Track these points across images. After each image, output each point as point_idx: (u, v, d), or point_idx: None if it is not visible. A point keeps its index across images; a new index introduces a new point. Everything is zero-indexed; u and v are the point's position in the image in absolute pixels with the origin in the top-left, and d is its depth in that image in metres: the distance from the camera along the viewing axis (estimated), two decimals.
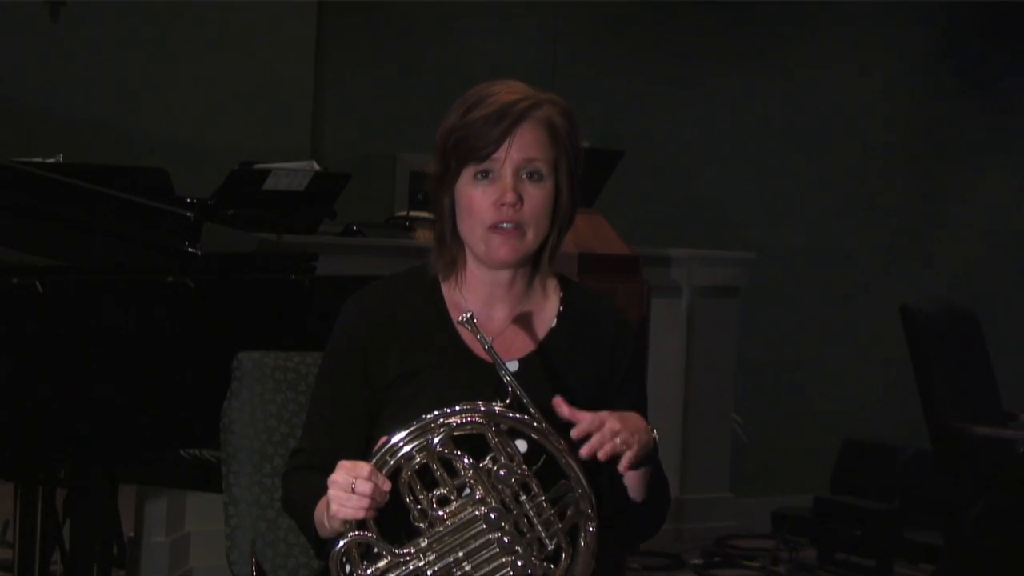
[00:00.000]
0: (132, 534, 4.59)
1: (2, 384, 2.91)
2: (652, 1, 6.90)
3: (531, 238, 2.33)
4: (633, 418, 2.25)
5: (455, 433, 2.19)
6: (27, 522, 3.18)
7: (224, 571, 2.62)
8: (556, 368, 2.36)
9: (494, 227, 2.31)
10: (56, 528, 3.40)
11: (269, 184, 4.75)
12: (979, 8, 7.38)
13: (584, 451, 2.17)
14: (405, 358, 2.35)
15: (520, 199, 2.30)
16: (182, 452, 3.35)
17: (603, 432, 2.18)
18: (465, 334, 2.36)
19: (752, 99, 6.98)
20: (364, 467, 2.15)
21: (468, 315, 2.25)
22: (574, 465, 2.19)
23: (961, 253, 7.39)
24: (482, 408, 2.19)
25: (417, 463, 2.18)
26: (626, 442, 2.20)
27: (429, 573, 2.16)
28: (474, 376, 2.33)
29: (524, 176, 2.31)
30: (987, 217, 7.46)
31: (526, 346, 2.38)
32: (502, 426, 2.20)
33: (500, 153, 2.29)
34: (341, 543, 2.16)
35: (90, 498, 3.26)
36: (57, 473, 3.24)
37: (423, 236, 5.22)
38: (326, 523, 2.21)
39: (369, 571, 2.17)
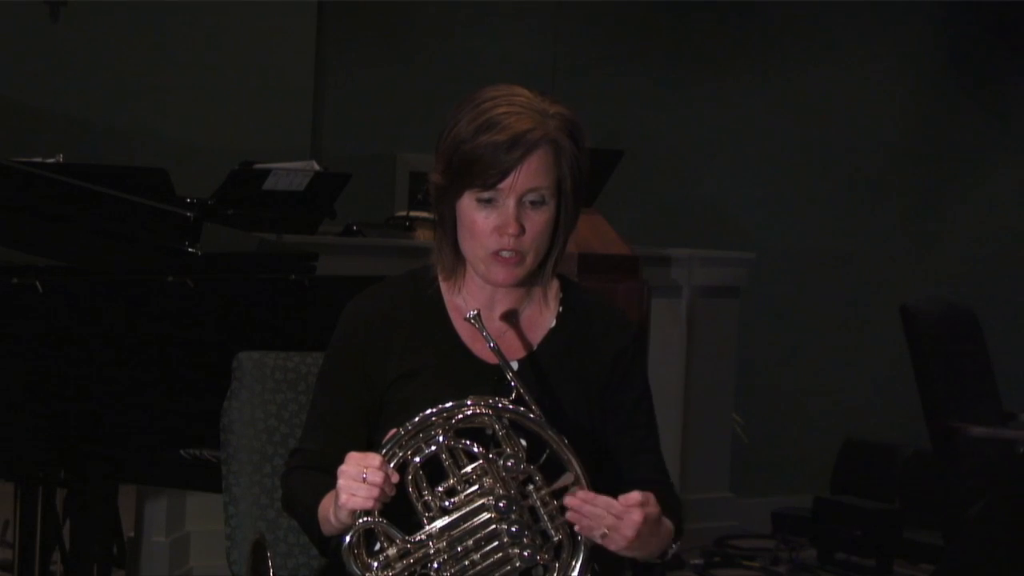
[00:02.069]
0: (132, 534, 4.59)
1: (2, 384, 2.91)
2: (652, 1, 6.90)
3: (531, 261, 2.34)
4: (662, 531, 2.25)
5: (461, 427, 2.21)
6: (27, 522, 3.17)
7: (224, 571, 2.62)
8: (555, 369, 2.37)
9: (495, 253, 2.32)
10: (56, 528, 3.40)
11: (269, 184, 4.76)
12: (980, 8, 7.38)
13: (574, 520, 2.18)
14: (404, 359, 2.36)
15: (522, 229, 2.30)
16: (182, 452, 3.35)
17: (607, 517, 2.17)
18: (465, 335, 2.38)
19: (752, 99, 6.98)
20: (375, 458, 2.17)
21: (475, 312, 2.27)
22: (575, 462, 2.21)
23: (961, 253, 7.39)
24: (490, 402, 2.21)
25: (425, 455, 2.20)
26: (614, 538, 2.19)
27: (437, 563, 2.18)
28: (473, 376, 2.34)
29: (527, 203, 2.31)
30: (987, 217, 7.46)
31: (526, 347, 2.39)
32: (505, 420, 2.22)
33: (506, 184, 2.29)
34: (352, 532, 2.17)
35: (90, 498, 3.25)
36: (57, 473, 3.24)
37: (423, 236, 5.22)
38: (331, 518, 2.21)
39: (379, 560, 2.18)
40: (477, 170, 2.28)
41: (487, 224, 2.31)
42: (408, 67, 6.52)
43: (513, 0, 6.71)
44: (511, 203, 2.30)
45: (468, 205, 2.32)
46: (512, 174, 2.28)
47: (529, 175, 2.29)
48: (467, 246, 2.34)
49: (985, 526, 4.45)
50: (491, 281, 2.35)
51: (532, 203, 2.31)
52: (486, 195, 2.30)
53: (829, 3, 7.11)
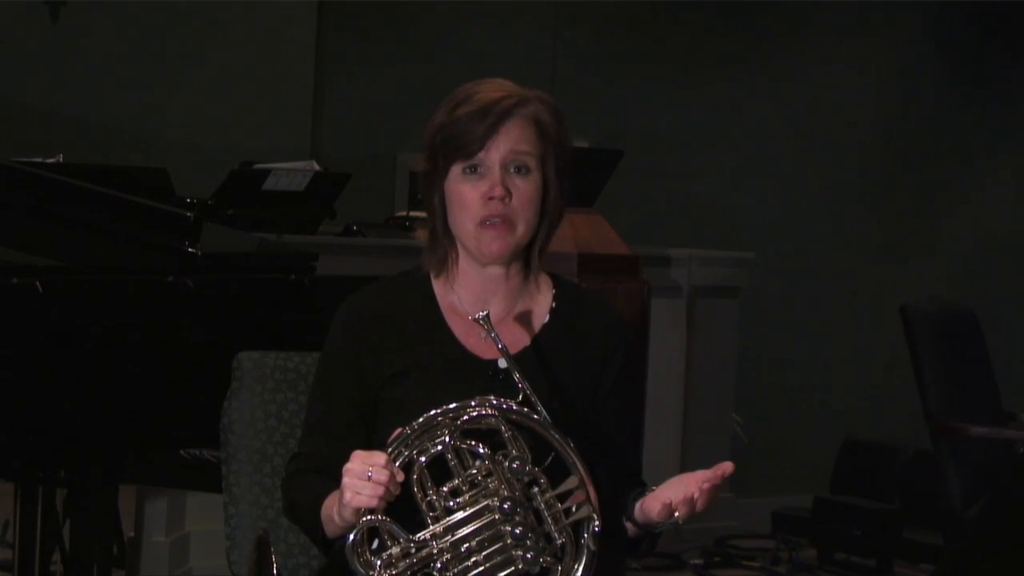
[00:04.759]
0: (132, 534, 4.59)
1: (2, 384, 2.91)
2: (652, 1, 6.91)
3: (521, 232, 2.35)
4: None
5: (467, 427, 2.21)
6: (27, 522, 3.17)
7: (224, 571, 2.62)
8: (550, 363, 2.38)
9: (484, 222, 2.33)
10: (56, 528, 3.40)
11: (269, 184, 4.76)
12: (977, 8, 7.39)
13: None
14: (399, 357, 2.36)
15: (508, 193, 2.32)
16: (182, 452, 3.35)
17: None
18: (458, 331, 2.38)
19: (752, 99, 6.98)
20: (380, 456, 2.17)
21: (484, 314, 2.26)
22: (580, 465, 2.21)
23: (961, 253, 7.39)
24: (495, 404, 2.21)
25: (431, 454, 2.20)
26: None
27: (440, 563, 2.18)
28: (468, 373, 2.35)
29: (512, 170, 2.33)
30: (987, 217, 7.46)
31: (520, 342, 2.39)
32: (505, 420, 2.21)
33: (487, 148, 2.32)
34: (356, 530, 2.16)
35: (90, 498, 3.25)
36: (57, 473, 3.24)
37: (423, 236, 5.21)
38: (335, 517, 2.21)
39: (382, 559, 2.17)
40: (457, 143, 2.32)
41: (474, 193, 2.33)
42: (408, 67, 6.52)
43: (513, 0, 6.72)
44: (495, 168, 2.32)
45: (455, 179, 2.34)
46: (491, 139, 2.31)
47: (509, 140, 2.32)
48: (458, 222, 2.36)
49: (985, 526, 4.45)
50: (483, 255, 2.36)
51: (517, 169, 2.33)
52: (470, 163, 2.33)
53: (828, 4, 7.11)
